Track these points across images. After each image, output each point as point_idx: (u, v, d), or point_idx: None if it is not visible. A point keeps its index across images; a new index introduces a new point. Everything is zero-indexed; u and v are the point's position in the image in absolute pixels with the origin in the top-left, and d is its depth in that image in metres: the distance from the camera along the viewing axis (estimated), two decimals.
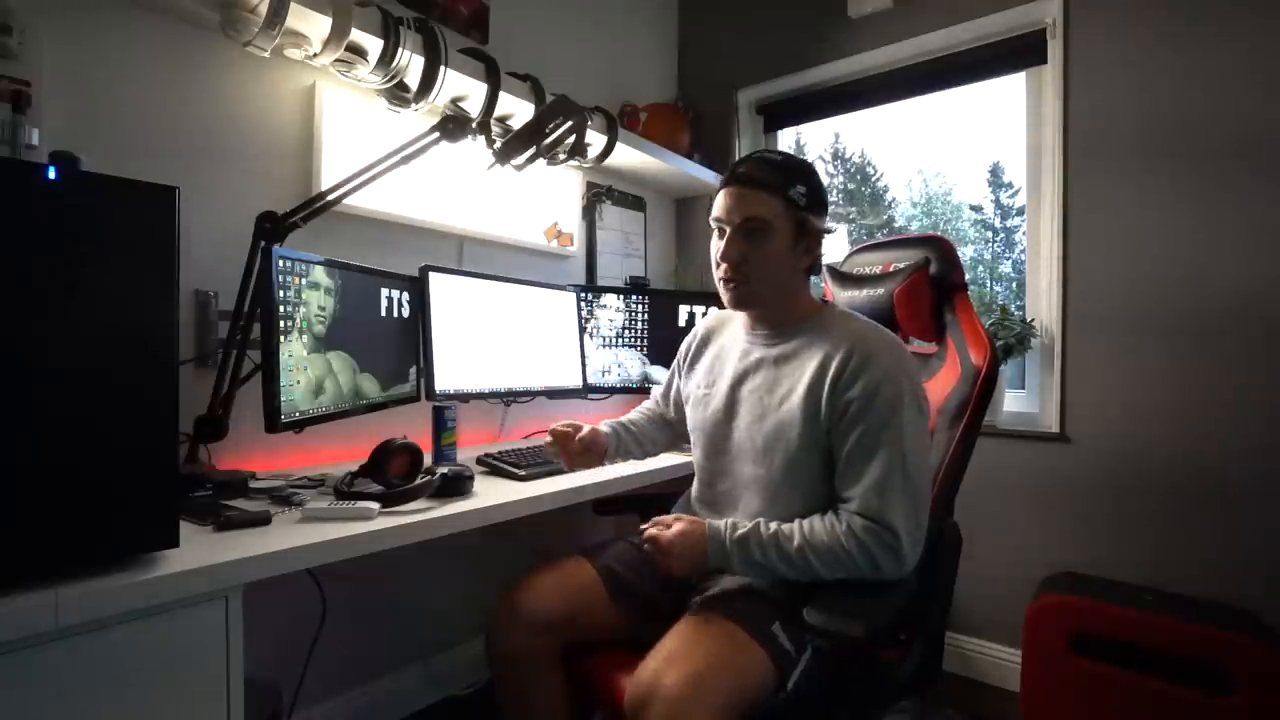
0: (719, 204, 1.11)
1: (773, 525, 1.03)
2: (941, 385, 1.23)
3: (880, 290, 1.34)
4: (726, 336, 1.26)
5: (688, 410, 1.29)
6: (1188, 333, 1.72)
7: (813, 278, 1.17)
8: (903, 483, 0.98)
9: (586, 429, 1.31)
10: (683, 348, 1.37)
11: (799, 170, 1.10)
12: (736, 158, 2.53)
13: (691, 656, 0.94)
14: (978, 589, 1.95)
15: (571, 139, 1.63)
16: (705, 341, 1.31)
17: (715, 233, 1.13)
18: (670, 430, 1.43)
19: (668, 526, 1.08)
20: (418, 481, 1.18)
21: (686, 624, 1.02)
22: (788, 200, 1.06)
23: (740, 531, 1.03)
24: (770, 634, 0.99)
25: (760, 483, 1.11)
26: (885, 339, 1.07)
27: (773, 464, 1.09)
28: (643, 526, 1.12)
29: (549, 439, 1.31)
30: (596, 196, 2.33)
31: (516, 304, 1.79)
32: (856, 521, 0.99)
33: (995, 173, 2.30)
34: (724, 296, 1.15)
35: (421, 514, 1.10)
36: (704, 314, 1.25)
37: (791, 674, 0.97)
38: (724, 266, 1.11)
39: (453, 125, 1.32)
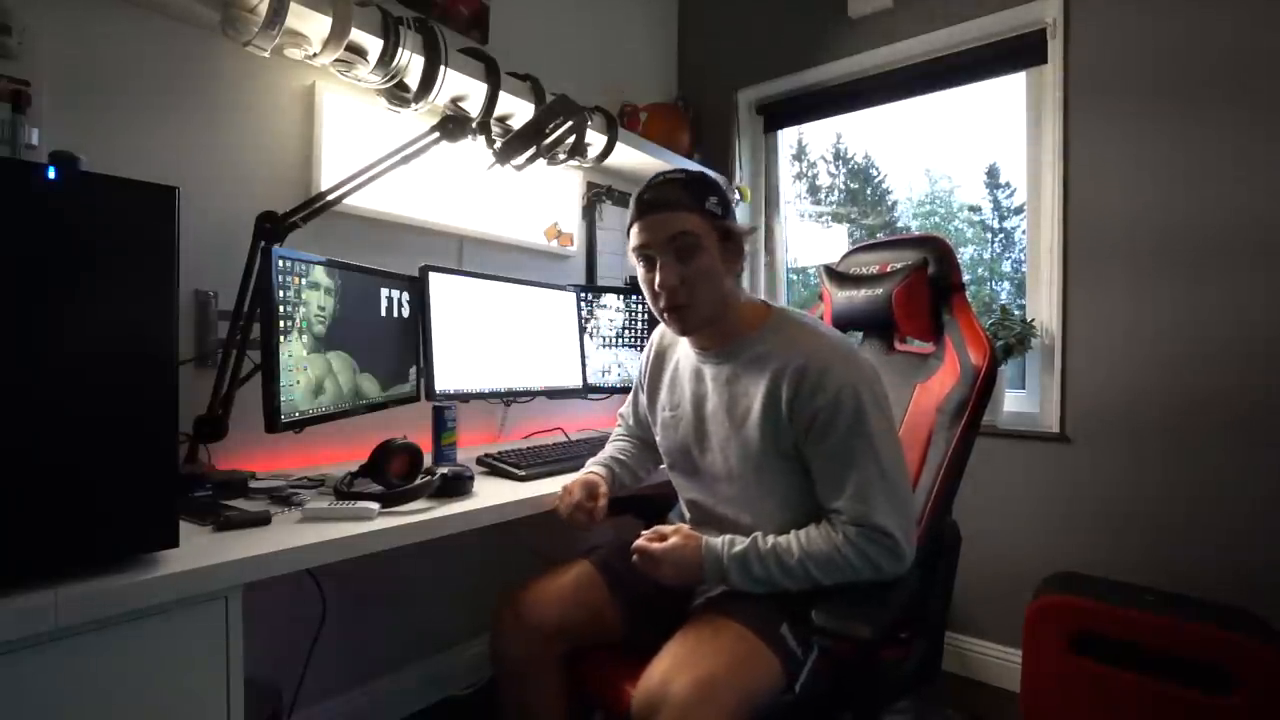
0: (638, 235, 1.08)
1: (770, 540, 1.03)
2: (939, 385, 1.23)
3: (879, 290, 1.34)
4: (679, 355, 1.24)
5: (657, 433, 1.28)
6: (1190, 333, 1.72)
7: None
8: (883, 484, 0.99)
9: (589, 491, 1.21)
10: (639, 368, 1.35)
11: (705, 182, 1.08)
12: (736, 158, 2.56)
13: (701, 660, 0.94)
14: (978, 589, 1.95)
15: (571, 139, 1.63)
16: (660, 361, 1.29)
17: (643, 264, 1.10)
18: (654, 452, 1.38)
19: (664, 538, 1.07)
20: (418, 481, 1.18)
21: (694, 626, 1.02)
22: (706, 212, 1.05)
23: (738, 548, 1.03)
24: (779, 635, 0.99)
25: (739, 500, 1.11)
26: (836, 346, 1.06)
27: (747, 482, 1.09)
28: (637, 543, 1.09)
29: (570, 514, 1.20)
30: (596, 196, 2.33)
31: (516, 304, 1.79)
32: (851, 530, 0.99)
33: (992, 173, 2.30)
34: (669, 325, 1.13)
35: (421, 514, 1.10)
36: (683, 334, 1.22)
37: (798, 675, 0.97)
38: (664, 295, 1.07)
39: (453, 125, 1.32)
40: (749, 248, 1.11)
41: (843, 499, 1.00)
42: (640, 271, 1.12)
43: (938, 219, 2.50)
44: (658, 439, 1.28)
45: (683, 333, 1.14)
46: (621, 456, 1.36)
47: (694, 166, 2.35)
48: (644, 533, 1.10)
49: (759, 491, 1.09)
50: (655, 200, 1.06)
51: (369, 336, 1.42)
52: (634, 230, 1.09)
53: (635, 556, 1.08)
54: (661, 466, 1.49)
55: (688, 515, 1.24)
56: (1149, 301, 1.77)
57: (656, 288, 1.07)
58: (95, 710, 0.74)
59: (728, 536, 1.06)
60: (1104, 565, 1.80)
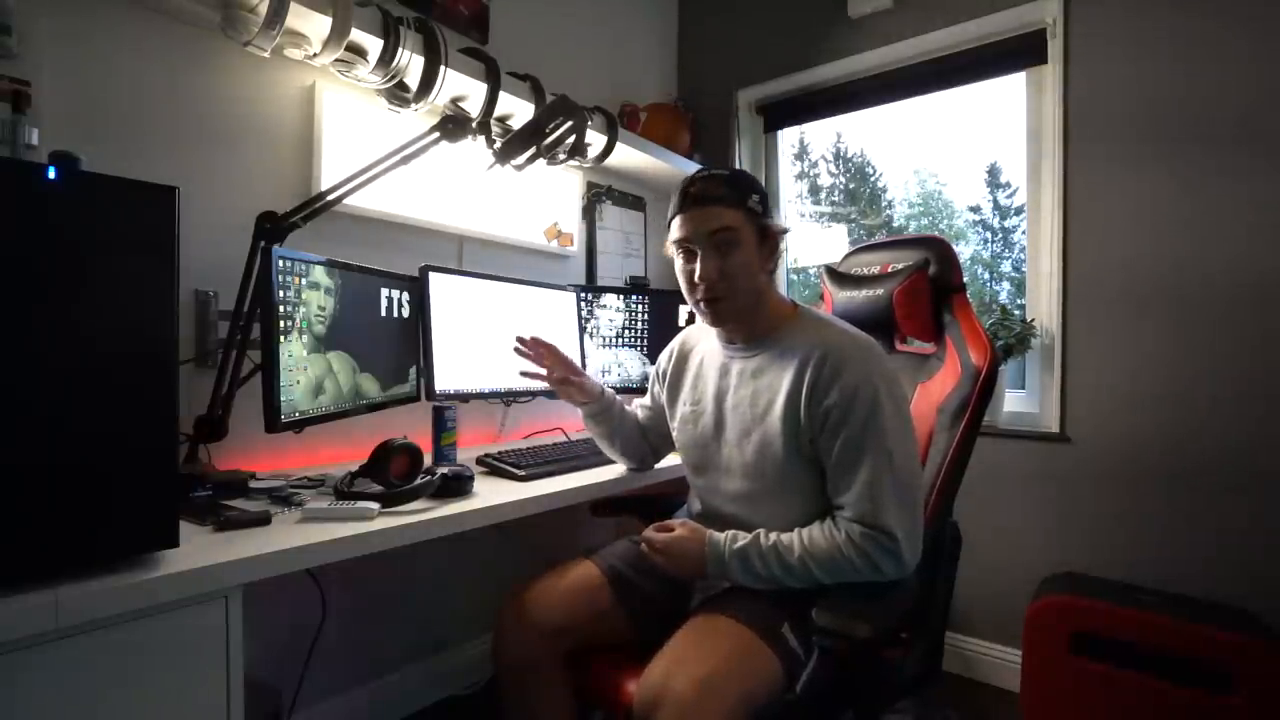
0: (680, 227, 1.11)
1: (772, 536, 1.04)
2: (940, 385, 1.23)
3: (879, 291, 1.34)
4: (704, 352, 1.26)
5: (675, 429, 1.29)
6: (1189, 333, 1.72)
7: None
8: (893, 484, 0.99)
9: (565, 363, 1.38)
10: (659, 367, 1.36)
11: (748, 181, 1.13)
12: (736, 158, 2.56)
13: (701, 658, 0.94)
14: (978, 589, 1.94)
15: (571, 139, 1.63)
16: (684, 359, 1.30)
17: (682, 256, 1.13)
18: (640, 443, 1.43)
19: (670, 530, 1.11)
20: (418, 482, 1.17)
21: (695, 625, 1.02)
22: (748, 210, 1.08)
23: (740, 544, 1.04)
24: (780, 635, 1.00)
25: (754, 496, 1.11)
26: (857, 341, 1.07)
27: (764, 477, 1.09)
28: (644, 533, 1.13)
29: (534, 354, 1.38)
30: (596, 196, 2.33)
31: (516, 304, 1.79)
32: (854, 529, 0.99)
33: (993, 173, 2.30)
34: (704, 316, 1.15)
35: (421, 514, 1.10)
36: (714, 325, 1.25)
37: (800, 675, 0.97)
38: (702, 287, 1.10)
39: (453, 125, 1.32)
40: (784, 247, 1.15)
41: (850, 495, 1.01)
42: (679, 263, 1.14)
43: (930, 220, 2.50)
44: (675, 435, 1.30)
45: (716, 323, 1.16)
46: (623, 407, 1.42)
47: (693, 167, 2.36)
48: (651, 525, 1.14)
49: (772, 487, 1.09)
50: (700, 195, 1.09)
51: (369, 336, 1.42)
52: (676, 222, 1.12)
53: (643, 545, 1.12)
54: (660, 466, 1.50)
55: (696, 509, 1.25)
56: (1149, 301, 1.77)
57: (696, 279, 1.10)
58: (95, 710, 0.74)
59: (731, 532, 1.07)
60: (1104, 565, 1.80)
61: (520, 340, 1.39)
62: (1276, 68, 1.61)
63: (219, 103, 1.40)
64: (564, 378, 1.37)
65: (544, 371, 1.38)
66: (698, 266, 1.09)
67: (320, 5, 1.27)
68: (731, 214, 1.07)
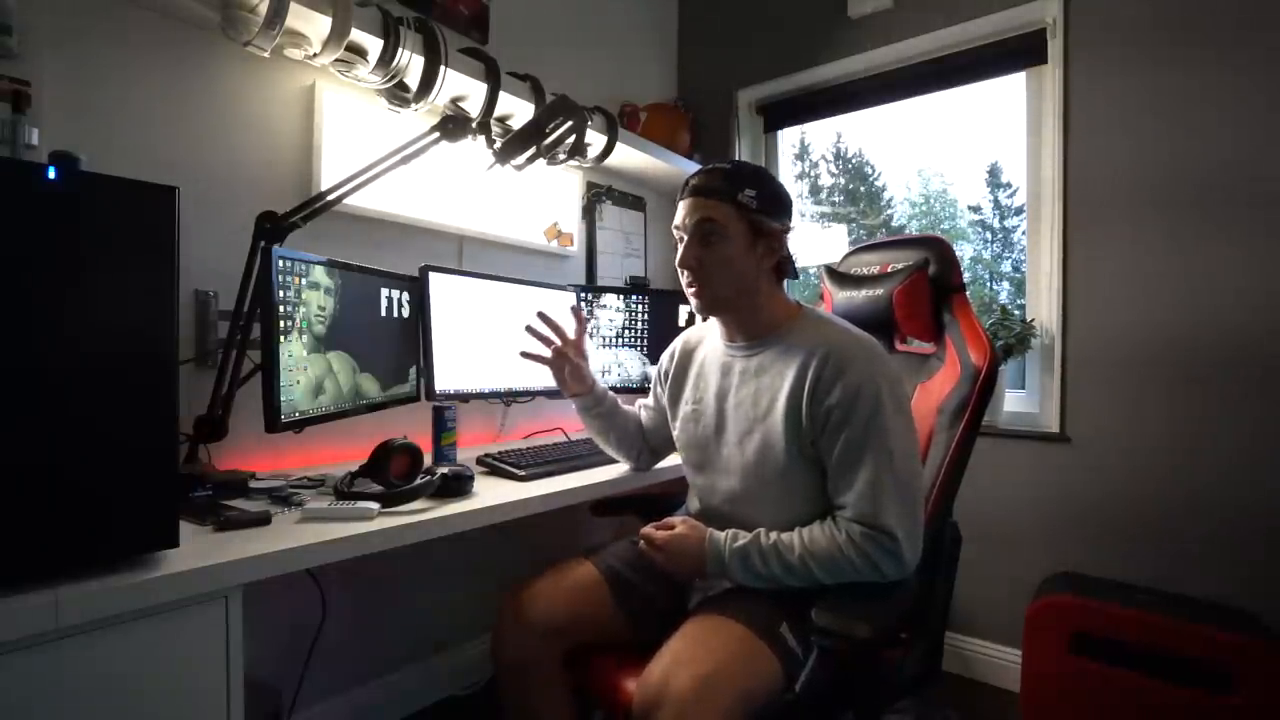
0: (676, 215, 1.15)
1: (773, 535, 1.04)
2: (940, 385, 1.23)
3: (879, 290, 1.34)
4: (706, 350, 1.26)
5: (676, 428, 1.29)
6: (1189, 332, 1.72)
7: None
8: (894, 484, 0.99)
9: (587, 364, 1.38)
10: (660, 368, 1.37)
11: (747, 175, 1.12)
12: (736, 157, 2.56)
13: (701, 658, 0.94)
14: (978, 589, 1.95)
15: (571, 139, 1.63)
16: (686, 357, 1.30)
17: (678, 242, 1.16)
18: (637, 440, 1.43)
19: (671, 528, 1.11)
20: (418, 482, 1.18)
21: (694, 625, 1.02)
22: (737, 204, 1.09)
23: (740, 543, 1.04)
24: (779, 635, 1.00)
25: (754, 495, 1.11)
26: (859, 341, 1.07)
27: (764, 477, 1.09)
28: (644, 530, 1.14)
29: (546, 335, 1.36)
30: (596, 196, 2.33)
31: (516, 304, 1.79)
32: (854, 529, 0.99)
33: (994, 173, 2.30)
34: (692, 304, 1.17)
35: (421, 514, 1.10)
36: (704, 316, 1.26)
37: (799, 674, 0.97)
38: (685, 273, 1.14)
39: (453, 125, 1.32)
40: (787, 248, 1.14)
41: (851, 495, 1.01)
42: (678, 248, 1.17)
43: (934, 218, 2.50)
44: (676, 435, 1.30)
45: (700, 312, 1.19)
46: (620, 403, 1.42)
47: (693, 167, 2.36)
48: (651, 523, 1.14)
49: (772, 487, 1.09)
50: (696, 185, 1.12)
51: (369, 336, 1.42)
52: (676, 210, 1.16)
53: (641, 543, 1.12)
54: (660, 465, 1.50)
55: (695, 508, 1.25)
56: (1149, 301, 1.77)
57: (678, 263, 1.15)
58: (96, 710, 0.74)
59: (731, 530, 1.07)
60: (1104, 565, 1.80)
61: (542, 316, 1.36)
62: (1275, 66, 1.61)
63: (219, 103, 1.40)
64: (563, 354, 1.36)
65: (546, 354, 1.37)
66: (680, 251, 1.14)
67: (320, 5, 1.27)
68: (718, 206, 1.09)
